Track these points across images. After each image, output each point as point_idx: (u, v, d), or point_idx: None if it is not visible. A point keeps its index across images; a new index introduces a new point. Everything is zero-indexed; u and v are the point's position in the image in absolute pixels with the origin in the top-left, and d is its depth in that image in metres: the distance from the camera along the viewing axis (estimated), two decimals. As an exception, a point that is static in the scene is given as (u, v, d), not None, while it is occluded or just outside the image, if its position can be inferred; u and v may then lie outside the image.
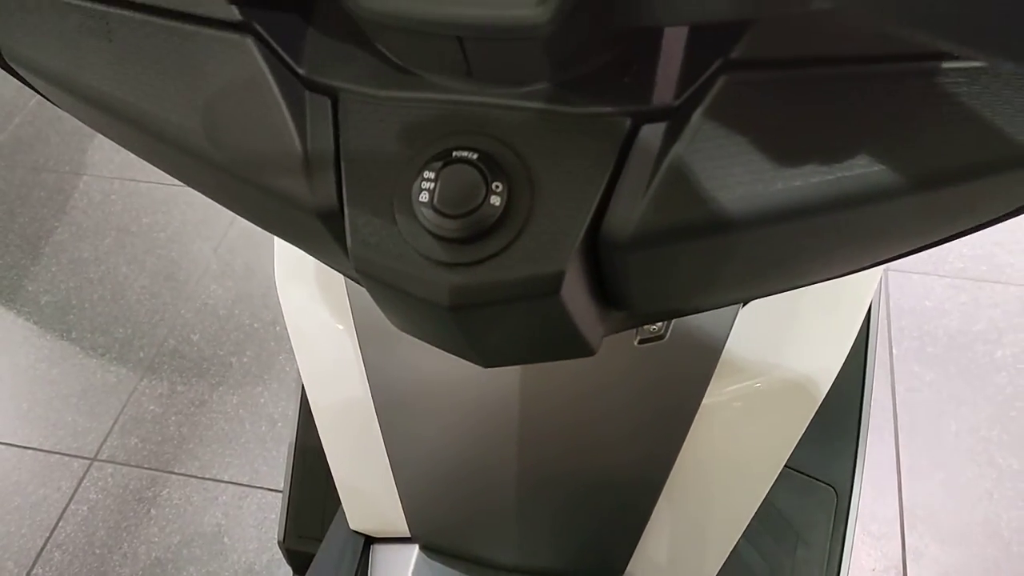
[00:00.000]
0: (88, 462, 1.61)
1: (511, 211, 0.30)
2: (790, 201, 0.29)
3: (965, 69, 0.27)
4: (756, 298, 0.42)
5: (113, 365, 1.76)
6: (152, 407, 1.68)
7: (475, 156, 0.30)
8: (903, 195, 0.29)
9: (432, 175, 0.30)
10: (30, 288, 1.93)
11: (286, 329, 0.71)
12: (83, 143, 2.26)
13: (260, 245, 1.94)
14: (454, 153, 0.30)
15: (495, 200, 0.29)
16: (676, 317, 0.45)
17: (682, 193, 0.29)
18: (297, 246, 0.40)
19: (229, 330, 1.79)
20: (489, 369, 0.53)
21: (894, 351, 1.60)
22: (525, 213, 0.30)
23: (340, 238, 0.33)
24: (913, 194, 0.29)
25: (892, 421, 1.51)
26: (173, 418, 1.66)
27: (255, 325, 1.79)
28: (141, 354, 1.77)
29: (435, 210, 0.29)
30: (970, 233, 0.34)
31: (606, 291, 0.35)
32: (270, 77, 0.32)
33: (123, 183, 2.14)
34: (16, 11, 0.35)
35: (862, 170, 0.28)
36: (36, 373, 1.76)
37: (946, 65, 0.27)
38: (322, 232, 0.34)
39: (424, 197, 0.30)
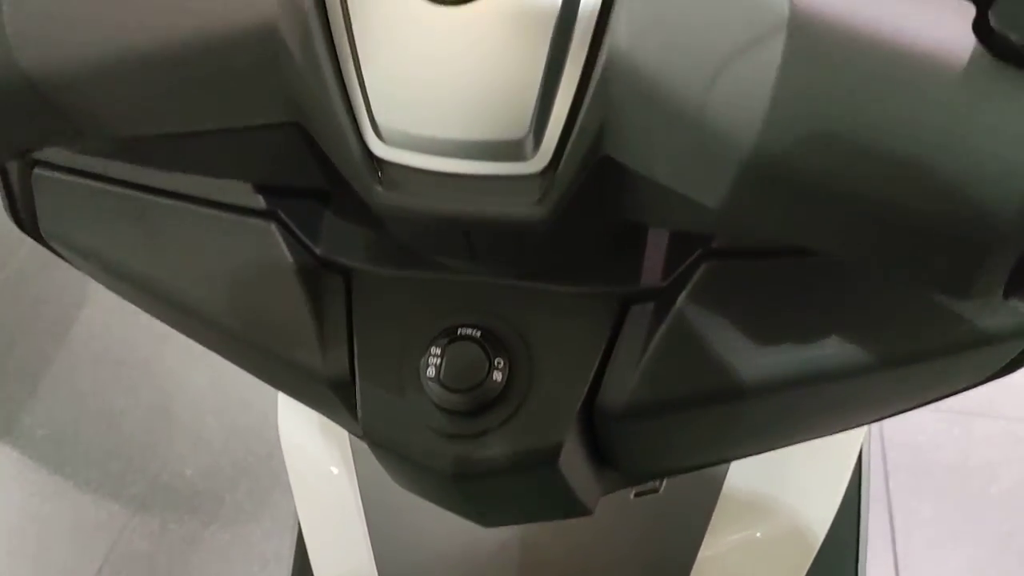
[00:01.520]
0: (74, 603, 1.57)
1: (512, 386, 0.32)
2: (769, 377, 0.31)
3: None
4: (745, 457, 0.44)
5: (105, 500, 1.73)
6: (142, 545, 1.65)
7: (479, 334, 0.32)
8: (874, 371, 0.31)
9: (439, 351, 0.32)
10: (26, 421, 1.92)
11: (282, 463, 0.72)
12: (86, 277, 2.29)
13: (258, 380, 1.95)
14: (459, 331, 0.32)
15: (497, 376, 0.31)
16: (670, 476, 0.47)
17: (670, 368, 0.31)
18: (307, 406, 0.42)
19: (223, 465, 1.77)
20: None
21: (890, 485, 1.59)
22: (525, 388, 0.32)
23: (350, 405, 0.35)
24: (884, 370, 0.31)
25: (891, 555, 1.48)
26: (163, 557, 1.63)
27: (249, 459, 1.78)
28: (134, 489, 1.75)
29: (441, 385, 0.32)
30: (945, 398, 0.37)
31: (602, 454, 0.36)
32: (289, 258, 0.35)
33: (123, 315, 2.16)
34: (57, 195, 0.39)
35: (834, 349, 0.31)
36: (27, 509, 1.73)
37: None
38: (333, 399, 0.36)
39: (431, 372, 0.32)
